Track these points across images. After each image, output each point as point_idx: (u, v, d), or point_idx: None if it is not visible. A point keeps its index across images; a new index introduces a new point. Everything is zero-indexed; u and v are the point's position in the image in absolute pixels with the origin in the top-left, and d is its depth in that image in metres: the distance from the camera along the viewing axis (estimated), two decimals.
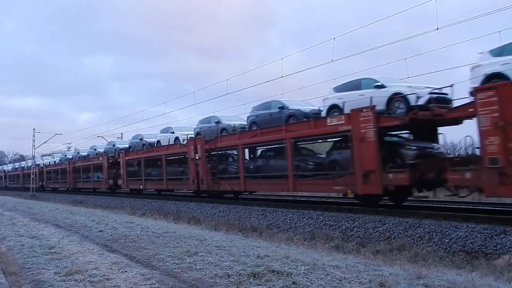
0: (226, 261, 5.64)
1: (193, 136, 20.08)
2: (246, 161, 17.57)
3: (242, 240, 8.81)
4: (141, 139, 25.62)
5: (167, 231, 9.21)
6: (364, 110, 11.57)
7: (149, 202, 21.20)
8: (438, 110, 10.59)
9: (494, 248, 7.78)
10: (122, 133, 39.49)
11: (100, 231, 9.35)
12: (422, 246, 8.55)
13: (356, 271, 5.10)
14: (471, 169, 9.64)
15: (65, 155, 38.99)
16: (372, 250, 8.81)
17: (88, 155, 33.69)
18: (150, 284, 4.63)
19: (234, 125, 18.40)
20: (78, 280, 4.80)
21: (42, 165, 43.31)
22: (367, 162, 11.42)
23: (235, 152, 18.35)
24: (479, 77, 9.78)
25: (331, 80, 15.03)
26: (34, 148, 43.18)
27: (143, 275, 5.05)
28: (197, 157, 18.84)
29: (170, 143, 22.08)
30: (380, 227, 10.12)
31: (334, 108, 13.33)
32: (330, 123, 12.80)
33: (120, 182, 27.36)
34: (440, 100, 10.96)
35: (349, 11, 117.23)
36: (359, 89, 12.58)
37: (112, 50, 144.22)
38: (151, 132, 26.68)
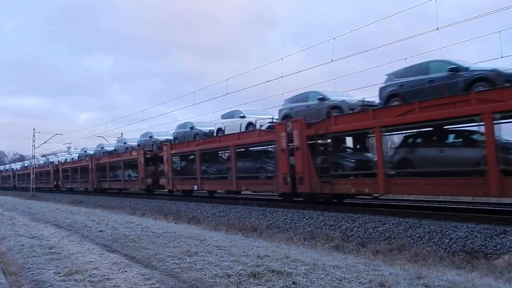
0: (226, 261, 5.64)
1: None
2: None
3: (242, 240, 8.81)
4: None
5: (167, 231, 9.21)
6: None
7: (149, 202, 21.18)
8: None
9: (494, 248, 7.78)
10: (122, 133, 39.48)
11: (100, 231, 9.35)
12: (422, 246, 8.55)
13: (356, 271, 5.10)
14: None
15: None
16: (372, 250, 8.81)
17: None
18: (150, 284, 4.63)
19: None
20: (78, 280, 4.80)
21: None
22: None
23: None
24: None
25: (331, 80, 15.01)
26: (34, 148, 43.17)
27: (143, 275, 5.05)
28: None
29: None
30: (380, 227, 10.12)
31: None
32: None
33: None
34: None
35: (349, 11, 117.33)
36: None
37: (112, 50, 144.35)
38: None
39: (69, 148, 47.81)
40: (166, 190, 22.87)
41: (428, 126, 11.13)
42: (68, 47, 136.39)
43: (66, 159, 39.23)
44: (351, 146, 14.54)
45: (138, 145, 25.35)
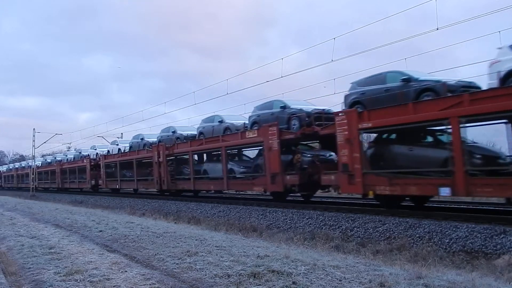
0: (226, 261, 5.64)
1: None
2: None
3: (242, 240, 8.81)
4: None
5: (167, 231, 9.20)
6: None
7: (149, 202, 21.20)
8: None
9: (494, 248, 7.78)
10: (122, 133, 39.47)
11: (100, 231, 9.35)
12: (422, 246, 8.55)
13: (356, 271, 5.10)
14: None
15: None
16: (372, 250, 8.81)
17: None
18: (150, 284, 4.63)
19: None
20: (78, 280, 4.80)
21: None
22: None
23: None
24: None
25: (331, 80, 15.06)
26: (34, 148, 43.15)
27: (143, 275, 5.05)
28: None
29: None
30: (380, 227, 10.12)
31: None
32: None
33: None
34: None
35: (349, 10, 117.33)
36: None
37: (111, 50, 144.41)
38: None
39: (69, 148, 47.72)
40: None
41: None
42: (67, 47, 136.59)
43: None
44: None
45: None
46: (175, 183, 21.35)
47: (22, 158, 69.24)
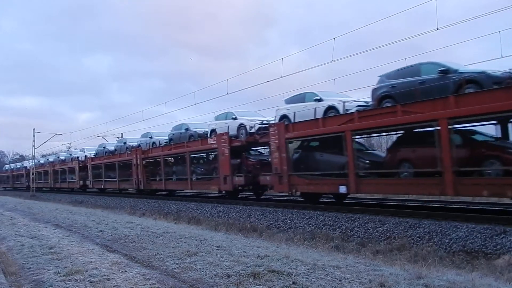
0: (226, 261, 5.63)
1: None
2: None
3: (242, 240, 8.81)
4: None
5: (167, 231, 9.20)
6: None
7: (149, 202, 21.20)
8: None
9: (494, 248, 7.79)
10: (122, 133, 39.45)
11: (100, 231, 9.34)
12: (422, 246, 8.55)
13: (356, 271, 5.10)
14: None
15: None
16: (372, 250, 8.81)
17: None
18: (150, 284, 4.63)
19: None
20: (78, 280, 4.80)
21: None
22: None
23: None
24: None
25: (331, 80, 15.07)
26: (34, 148, 43.16)
27: (143, 275, 5.05)
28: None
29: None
30: (380, 227, 10.13)
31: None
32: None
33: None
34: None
35: (350, 10, 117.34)
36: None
37: (111, 49, 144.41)
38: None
39: (69, 148, 47.60)
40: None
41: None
42: (67, 47, 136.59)
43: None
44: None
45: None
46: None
47: (22, 158, 69.22)
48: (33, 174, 41.79)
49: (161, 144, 23.34)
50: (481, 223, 8.73)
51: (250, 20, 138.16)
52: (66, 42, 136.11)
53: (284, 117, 14.76)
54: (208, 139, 18.34)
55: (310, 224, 11.70)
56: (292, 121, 14.37)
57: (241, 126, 16.88)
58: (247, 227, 12.38)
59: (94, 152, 32.93)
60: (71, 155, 38.32)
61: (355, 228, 10.55)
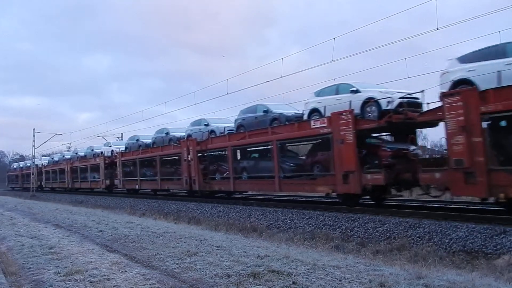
0: (226, 261, 5.64)
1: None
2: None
3: (242, 240, 8.81)
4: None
5: (167, 231, 9.20)
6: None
7: (149, 202, 21.21)
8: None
9: (494, 248, 7.78)
10: (122, 133, 39.40)
11: (100, 231, 9.34)
12: (422, 246, 8.55)
13: (356, 271, 5.10)
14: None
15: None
16: (372, 250, 8.81)
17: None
18: (150, 284, 4.63)
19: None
20: (78, 280, 4.80)
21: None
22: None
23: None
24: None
25: (331, 80, 14.93)
26: (34, 148, 43.14)
27: (143, 275, 5.05)
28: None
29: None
30: (380, 227, 10.12)
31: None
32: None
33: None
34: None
35: (350, 10, 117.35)
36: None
37: (111, 49, 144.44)
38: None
39: (69, 148, 47.53)
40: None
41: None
42: (67, 46, 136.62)
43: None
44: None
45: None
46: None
47: (22, 158, 69.18)
48: (33, 174, 41.71)
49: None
50: (481, 223, 8.72)
51: (250, 20, 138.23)
52: (66, 42, 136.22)
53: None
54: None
55: (310, 224, 11.70)
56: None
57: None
58: (247, 227, 12.38)
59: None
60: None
61: (355, 228, 10.55)
